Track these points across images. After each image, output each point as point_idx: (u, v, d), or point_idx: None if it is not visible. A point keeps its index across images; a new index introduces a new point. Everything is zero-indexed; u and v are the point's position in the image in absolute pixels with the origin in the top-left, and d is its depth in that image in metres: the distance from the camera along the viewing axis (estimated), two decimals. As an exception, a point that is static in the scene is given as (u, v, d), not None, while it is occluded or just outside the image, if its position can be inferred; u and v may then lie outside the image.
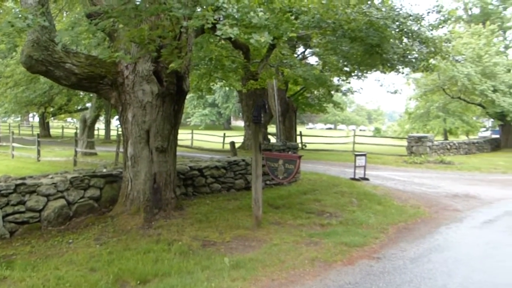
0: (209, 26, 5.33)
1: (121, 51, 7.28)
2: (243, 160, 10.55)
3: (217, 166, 10.00)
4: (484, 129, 44.84)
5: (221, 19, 5.59)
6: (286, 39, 8.26)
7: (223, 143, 28.82)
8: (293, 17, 8.00)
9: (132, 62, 7.60)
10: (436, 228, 7.83)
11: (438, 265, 5.73)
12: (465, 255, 6.27)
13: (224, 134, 30.85)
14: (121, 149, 9.59)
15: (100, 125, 37.14)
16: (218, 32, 5.28)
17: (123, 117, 8.03)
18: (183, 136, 31.23)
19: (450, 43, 12.88)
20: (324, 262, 5.75)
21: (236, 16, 5.37)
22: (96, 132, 30.18)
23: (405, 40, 11.04)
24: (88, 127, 19.93)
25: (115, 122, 34.93)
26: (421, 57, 11.54)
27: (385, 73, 12.90)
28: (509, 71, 28.19)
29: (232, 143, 12.48)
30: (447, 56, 12.31)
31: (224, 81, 17.20)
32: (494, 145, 28.20)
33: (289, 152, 11.76)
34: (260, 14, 5.55)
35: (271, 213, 8.38)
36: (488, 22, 31.19)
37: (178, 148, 8.99)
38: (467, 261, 5.97)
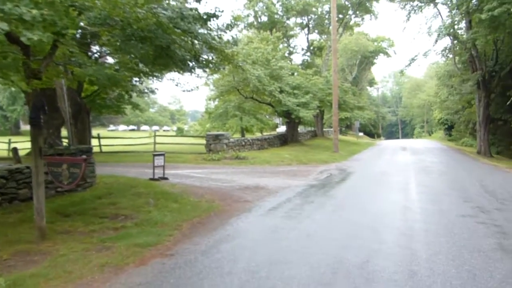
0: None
1: None
2: (28, 168, 9.58)
3: (-5, 175, 8.90)
4: (280, 126, 49.53)
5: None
6: (78, 35, 7.76)
7: (9, 150, 25.89)
8: (76, 13, 7.56)
9: None
10: (228, 220, 8.31)
11: (226, 254, 6.07)
12: (250, 241, 6.79)
13: (10, 140, 27.75)
14: None
15: None
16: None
17: None
18: (-42, 144, 27.17)
19: (236, 46, 13.78)
20: (115, 266, 5.59)
21: (3, 9, 4.82)
22: None
23: (196, 42, 11.37)
24: None
25: None
26: (210, 61, 12.09)
27: (179, 73, 13.16)
28: (292, 74, 31.52)
29: (15, 149, 11.24)
30: (232, 62, 13.12)
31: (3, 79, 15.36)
32: (283, 140, 31.20)
33: (83, 156, 11.13)
34: (35, 12, 5.08)
35: (60, 222, 7.82)
36: (274, 30, 34.38)
37: None
38: (252, 246, 6.46)
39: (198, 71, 12.97)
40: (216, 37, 11.92)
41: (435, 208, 9.53)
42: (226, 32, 12.58)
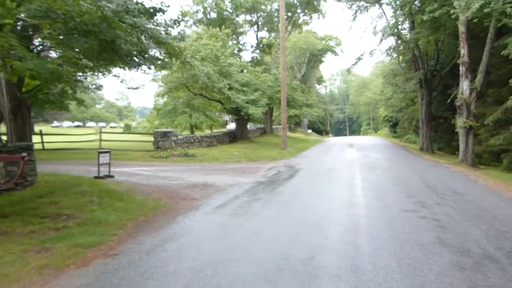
0: None
1: None
2: (-38, 166, 9.08)
3: None
4: (230, 123, 49.58)
5: None
6: (18, 28, 7.40)
7: None
8: (15, 4, 7.25)
9: None
10: (174, 218, 8.22)
11: (172, 253, 6.00)
12: (197, 240, 6.74)
13: None
14: None
15: None
16: None
17: None
18: None
19: (183, 42, 13.64)
20: (55, 268, 5.38)
21: None
22: None
23: (142, 37, 11.14)
24: None
25: None
26: (157, 57, 11.90)
27: (125, 69, 12.83)
28: (242, 71, 31.53)
29: None
30: (179, 57, 12.96)
31: None
32: (232, 137, 31.22)
33: (22, 154, 10.64)
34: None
35: (-3, 222, 7.46)
36: (224, 27, 34.24)
37: None
38: (198, 245, 6.42)
39: (145, 67, 12.70)
40: (163, 31, 11.74)
41: (379, 203, 9.82)
42: (173, 28, 12.40)
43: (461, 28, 20.93)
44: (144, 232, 7.18)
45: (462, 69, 21.20)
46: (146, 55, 11.75)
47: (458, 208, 9.39)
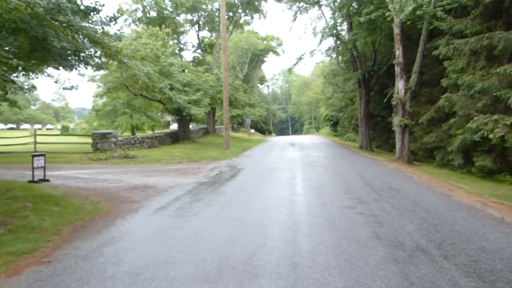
0: None
1: None
2: None
3: None
4: (173, 123, 49.01)
5: None
6: None
7: None
8: None
9: None
10: (113, 221, 8.02)
11: (110, 257, 5.85)
12: (136, 243, 6.60)
13: None
14: None
15: None
16: None
17: None
18: None
19: (120, 42, 13.34)
20: (-17, 278, 5.12)
21: None
22: None
23: (77, 36, 10.78)
24: None
25: None
26: (93, 56, 11.55)
27: (59, 69, 12.33)
28: (183, 71, 31.23)
29: None
30: (116, 57, 12.65)
31: None
32: (174, 138, 30.86)
33: None
34: None
35: None
36: (164, 26, 33.76)
37: None
38: (137, 248, 6.30)
39: (80, 67, 12.27)
40: (100, 30, 11.41)
41: (319, 201, 10.02)
42: (110, 25, 12.08)
43: (396, 30, 21.79)
44: (80, 237, 6.96)
45: (397, 69, 22.08)
46: (81, 55, 11.37)
47: (393, 203, 9.76)
